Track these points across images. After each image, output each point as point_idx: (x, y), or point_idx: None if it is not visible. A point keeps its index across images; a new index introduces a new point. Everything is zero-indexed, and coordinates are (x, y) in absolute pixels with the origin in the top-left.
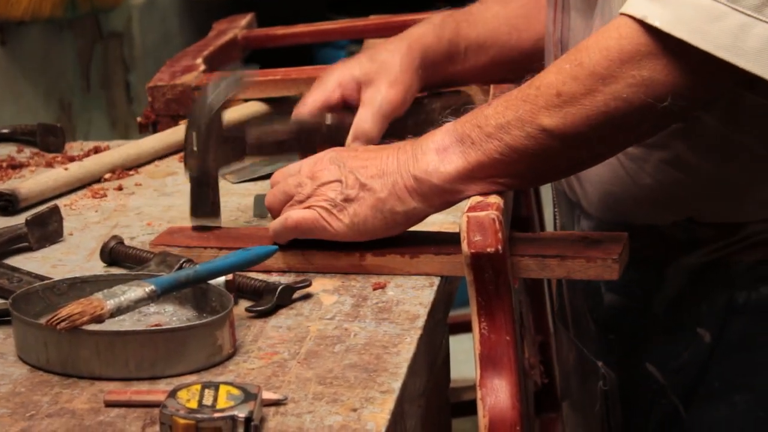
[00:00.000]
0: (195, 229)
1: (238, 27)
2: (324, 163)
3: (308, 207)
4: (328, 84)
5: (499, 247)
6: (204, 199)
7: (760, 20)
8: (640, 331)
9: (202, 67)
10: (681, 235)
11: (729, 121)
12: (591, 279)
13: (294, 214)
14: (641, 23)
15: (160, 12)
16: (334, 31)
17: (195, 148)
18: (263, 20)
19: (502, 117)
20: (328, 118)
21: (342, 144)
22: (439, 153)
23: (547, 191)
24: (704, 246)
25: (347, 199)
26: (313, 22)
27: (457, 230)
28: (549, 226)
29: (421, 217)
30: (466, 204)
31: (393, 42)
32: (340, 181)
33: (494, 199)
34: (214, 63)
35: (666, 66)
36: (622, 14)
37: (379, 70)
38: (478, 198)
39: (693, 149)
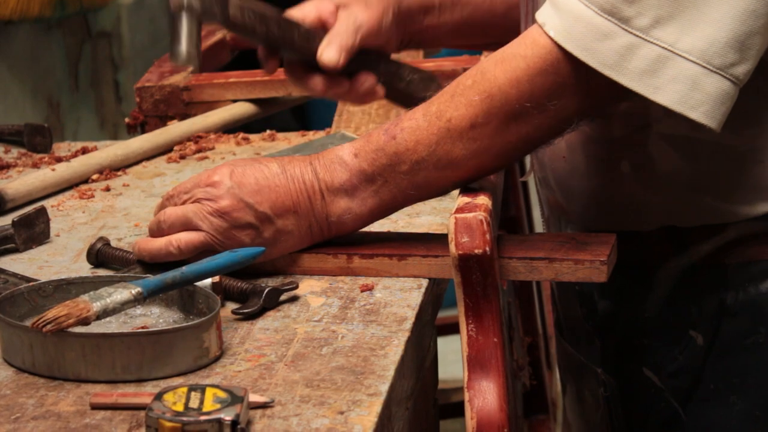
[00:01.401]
0: None
1: None
2: (233, 200)
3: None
4: (308, 13)
5: (487, 249)
6: (185, 35)
7: (648, 41)
8: (635, 337)
9: (191, 68)
10: (666, 240)
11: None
12: (579, 281)
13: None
14: (545, 34)
15: (149, 12)
16: None
17: None
18: None
19: (416, 154)
20: (305, 25)
21: (315, 48)
22: (350, 195)
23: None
24: (690, 249)
25: (263, 243)
26: None
27: (445, 231)
28: (538, 225)
29: None
30: (454, 205)
31: None
32: (252, 226)
33: (482, 200)
34: (203, 63)
35: (572, 90)
36: (535, 21)
37: None
38: (466, 199)
39: (667, 154)
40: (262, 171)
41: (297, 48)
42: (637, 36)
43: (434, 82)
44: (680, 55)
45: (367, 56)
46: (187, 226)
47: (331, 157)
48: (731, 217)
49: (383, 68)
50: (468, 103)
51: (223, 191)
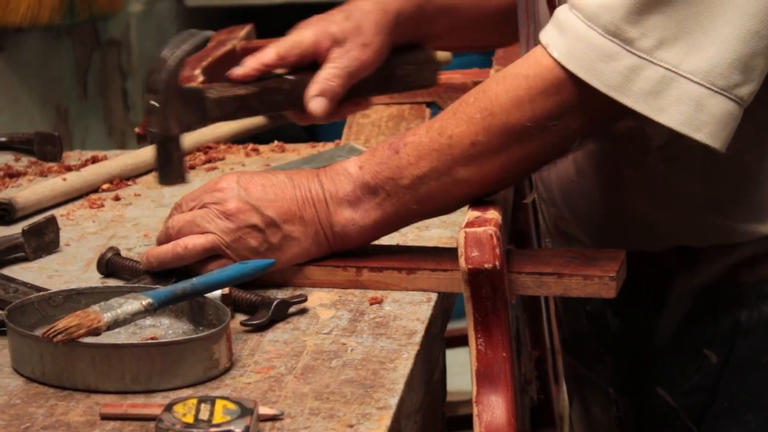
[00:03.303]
0: None
1: (237, 38)
2: (240, 204)
3: (229, 255)
4: (305, 40)
5: (497, 264)
6: (169, 161)
7: (652, 63)
8: (647, 356)
9: (201, 78)
10: (677, 260)
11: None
12: (588, 297)
13: (222, 263)
14: (548, 55)
15: (158, 20)
16: None
17: (156, 107)
18: (262, 31)
19: (416, 168)
20: (290, 76)
21: (302, 95)
22: (353, 206)
23: None
24: (702, 268)
25: (270, 249)
26: None
27: (454, 245)
28: None
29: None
30: (464, 219)
31: (368, 1)
32: (259, 229)
33: (492, 215)
34: (212, 74)
35: (575, 111)
36: (539, 42)
37: (353, 31)
38: (476, 213)
39: (677, 174)
40: (269, 178)
41: (282, 107)
42: (642, 57)
43: (432, 64)
44: (684, 77)
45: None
46: (195, 229)
47: (337, 168)
48: (743, 237)
49: (375, 78)
50: (469, 120)
51: (230, 195)
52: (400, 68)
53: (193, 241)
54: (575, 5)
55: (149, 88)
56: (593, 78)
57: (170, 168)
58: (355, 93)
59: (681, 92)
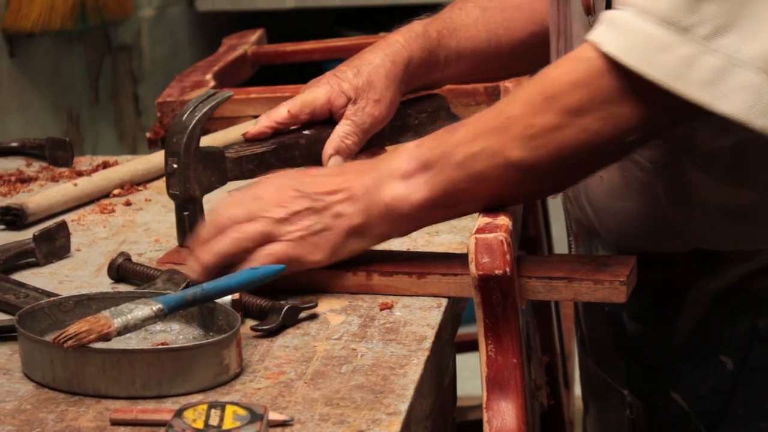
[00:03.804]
0: None
1: (248, 43)
2: (286, 190)
3: (285, 239)
4: (318, 99)
5: (508, 270)
6: (190, 222)
7: (709, 51)
8: (663, 359)
9: (212, 83)
10: (698, 263)
11: (748, 140)
12: (598, 301)
13: (276, 248)
14: (601, 53)
15: (169, 25)
16: (344, 48)
17: (176, 169)
18: (273, 36)
19: (471, 147)
20: (306, 130)
21: (320, 157)
22: (405, 179)
23: (555, 210)
24: (722, 272)
25: (325, 229)
26: (323, 38)
27: (464, 251)
28: (557, 244)
29: (386, 239)
30: (474, 225)
31: (377, 54)
32: (313, 210)
33: (503, 221)
34: (223, 79)
35: (630, 98)
36: (585, 41)
37: (364, 87)
38: (487, 219)
39: (707, 178)
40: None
41: (299, 163)
42: (699, 46)
43: (443, 109)
44: (743, 64)
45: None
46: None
47: (396, 148)
48: (765, 242)
49: (389, 129)
50: (526, 101)
51: (275, 183)
52: (413, 117)
53: (248, 227)
54: (625, 2)
55: (169, 150)
56: (650, 69)
57: (192, 229)
58: (370, 144)
59: (740, 80)
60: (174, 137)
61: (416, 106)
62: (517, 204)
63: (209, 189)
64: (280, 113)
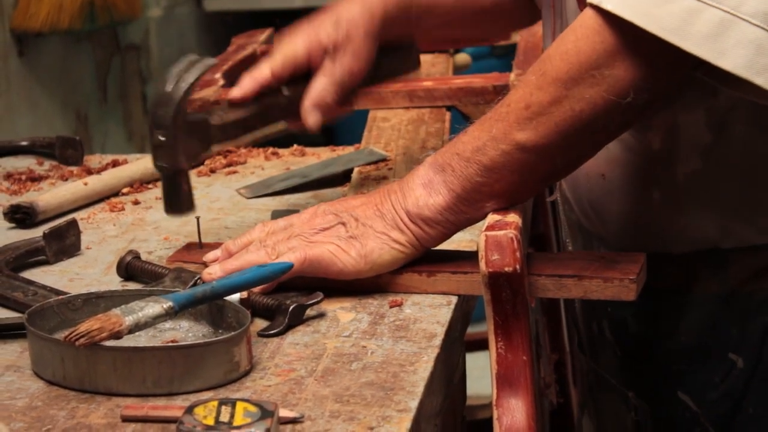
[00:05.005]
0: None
1: (257, 42)
2: (319, 213)
3: (312, 241)
4: (297, 53)
5: (517, 267)
6: (178, 193)
7: (710, 5)
8: (670, 361)
9: (221, 82)
10: (703, 263)
11: (756, 132)
12: (608, 299)
13: (307, 250)
14: (598, 13)
15: (177, 25)
16: None
17: (164, 141)
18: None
19: (478, 140)
20: (285, 90)
21: (298, 113)
22: (426, 187)
23: None
24: (730, 272)
25: (352, 237)
26: None
27: (474, 249)
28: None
29: (419, 248)
30: (484, 222)
31: (355, 5)
32: (342, 223)
33: (512, 218)
34: (233, 78)
35: (622, 58)
36: (587, 5)
37: (343, 40)
38: (497, 217)
39: (716, 171)
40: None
41: (280, 119)
42: (699, 0)
43: (414, 51)
44: (744, 19)
45: None
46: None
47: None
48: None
49: (363, 78)
50: (525, 83)
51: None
52: (385, 65)
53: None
54: None
55: (156, 122)
56: (649, 23)
57: (179, 199)
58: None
59: (741, 35)
60: (160, 109)
61: (389, 57)
62: (535, 193)
63: (196, 157)
64: (262, 74)
